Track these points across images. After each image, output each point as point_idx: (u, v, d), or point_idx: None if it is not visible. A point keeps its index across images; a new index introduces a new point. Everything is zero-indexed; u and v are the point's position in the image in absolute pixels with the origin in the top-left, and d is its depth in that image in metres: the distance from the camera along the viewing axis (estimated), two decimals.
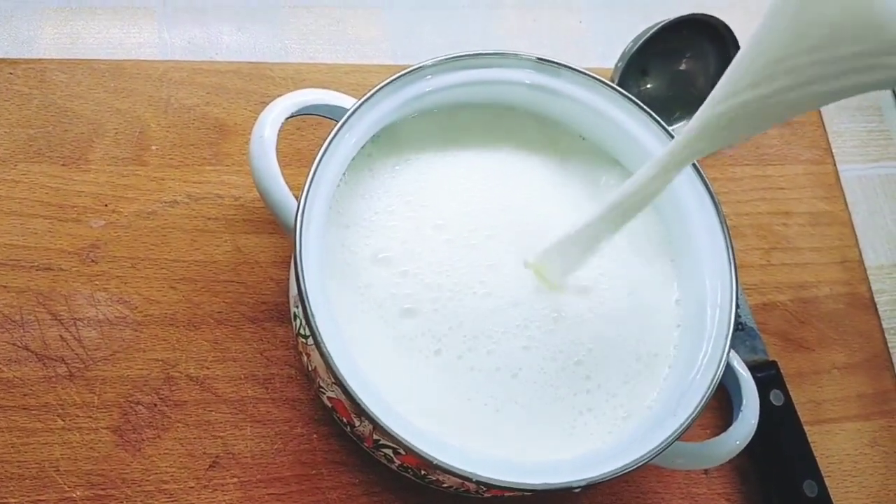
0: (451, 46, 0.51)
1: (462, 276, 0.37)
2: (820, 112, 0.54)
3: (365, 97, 0.37)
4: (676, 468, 0.40)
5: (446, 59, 0.39)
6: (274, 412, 0.40)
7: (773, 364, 0.45)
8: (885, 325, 0.49)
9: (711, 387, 0.36)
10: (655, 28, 0.48)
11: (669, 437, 0.34)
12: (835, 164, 0.53)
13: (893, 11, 0.25)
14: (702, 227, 0.39)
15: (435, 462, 0.32)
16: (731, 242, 0.39)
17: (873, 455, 0.46)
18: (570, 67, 0.40)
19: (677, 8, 0.48)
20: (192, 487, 0.38)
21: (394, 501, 0.40)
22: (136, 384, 0.39)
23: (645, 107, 0.40)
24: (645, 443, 0.34)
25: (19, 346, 0.39)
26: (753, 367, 0.41)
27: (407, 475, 0.37)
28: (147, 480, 0.38)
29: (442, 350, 0.36)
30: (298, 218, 0.34)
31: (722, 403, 0.43)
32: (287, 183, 0.37)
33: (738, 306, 0.38)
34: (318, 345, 0.33)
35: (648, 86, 0.49)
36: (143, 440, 0.38)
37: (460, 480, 0.33)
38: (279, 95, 0.39)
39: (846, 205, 0.52)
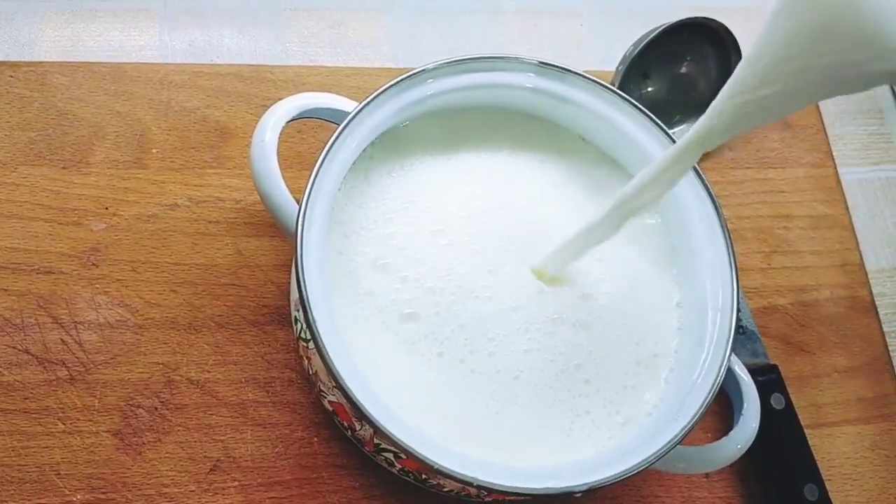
0: (453, 50, 0.50)
1: (463, 280, 0.37)
2: (821, 115, 0.54)
3: (366, 101, 0.37)
4: (677, 472, 0.40)
5: (448, 63, 0.39)
6: (275, 416, 0.40)
7: (774, 368, 0.45)
8: (885, 329, 0.49)
9: (713, 391, 0.36)
10: (656, 32, 0.48)
11: (671, 441, 0.34)
12: (835, 168, 0.53)
13: (882, 20, 0.26)
14: (702, 230, 0.39)
15: (436, 467, 0.32)
16: (731, 245, 0.39)
17: (874, 458, 0.46)
18: (572, 71, 0.40)
19: (678, 11, 0.48)
20: (193, 491, 0.38)
21: None
22: (136, 388, 0.39)
23: (646, 110, 0.40)
24: (646, 447, 0.34)
25: (20, 350, 0.39)
26: (754, 371, 0.41)
27: (408, 479, 0.37)
28: (148, 484, 0.38)
29: (444, 353, 0.36)
30: (299, 221, 0.34)
31: (723, 407, 0.43)
32: (288, 186, 0.37)
33: (739, 310, 0.38)
34: (318, 349, 0.33)
35: (649, 89, 0.49)
36: (143, 444, 0.38)
37: (461, 485, 0.33)
38: (280, 98, 0.39)
39: (847, 208, 0.52)
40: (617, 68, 0.48)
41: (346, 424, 0.37)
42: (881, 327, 0.49)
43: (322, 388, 0.37)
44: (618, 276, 0.39)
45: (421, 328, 0.36)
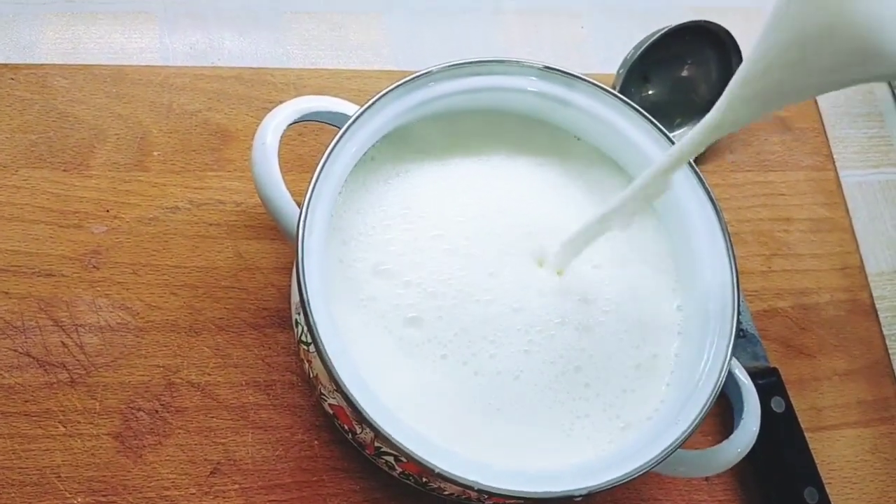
0: (453, 52, 0.51)
1: (464, 283, 0.37)
2: (821, 118, 0.54)
3: (368, 104, 0.37)
4: (678, 476, 0.40)
5: (451, 66, 0.39)
6: (275, 418, 0.40)
7: (774, 371, 0.45)
8: (885, 332, 0.49)
9: (713, 395, 0.36)
10: (657, 35, 0.48)
11: (671, 445, 0.34)
12: (836, 171, 0.53)
13: (874, 31, 0.26)
14: (703, 233, 0.39)
15: (436, 470, 0.32)
16: (732, 248, 0.39)
17: (874, 462, 0.46)
18: (575, 76, 0.40)
19: (678, 12, 0.48)
20: (194, 494, 0.38)
21: None
22: (137, 390, 0.39)
23: (646, 113, 0.40)
24: (647, 451, 0.34)
25: (21, 353, 0.39)
26: (754, 374, 0.41)
27: (408, 483, 0.37)
28: (148, 487, 0.38)
29: (448, 355, 0.36)
30: (300, 224, 0.34)
31: (723, 410, 0.43)
32: (289, 189, 0.37)
33: (739, 313, 0.38)
34: (319, 352, 0.33)
35: (650, 92, 0.49)
36: (144, 446, 0.38)
37: (461, 488, 0.33)
38: (281, 101, 0.39)
39: (847, 211, 0.52)
40: (618, 71, 0.48)
41: (346, 428, 0.37)
42: (881, 330, 0.49)
43: (323, 391, 0.37)
44: (618, 279, 0.39)
45: (424, 332, 0.36)
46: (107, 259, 0.41)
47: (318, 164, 0.35)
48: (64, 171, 0.42)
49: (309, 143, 0.45)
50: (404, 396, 0.35)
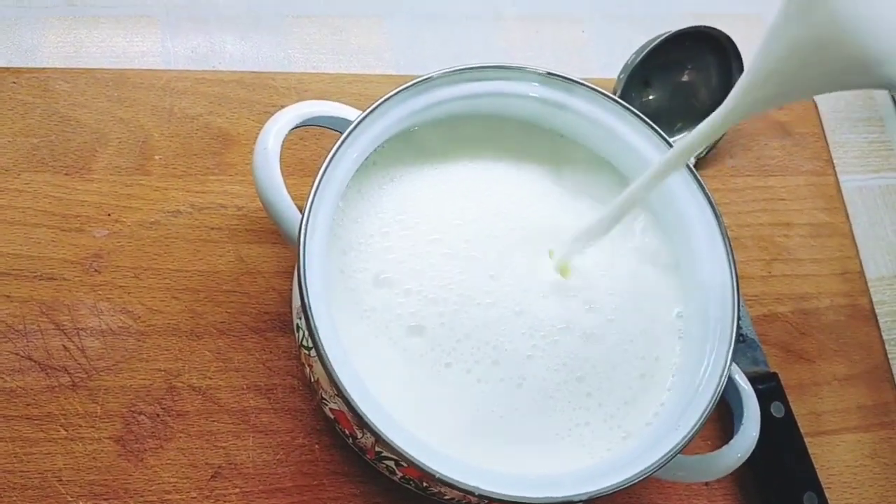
0: (454, 56, 0.51)
1: (464, 287, 0.37)
2: (821, 123, 0.54)
3: (370, 109, 0.37)
4: (678, 481, 0.40)
5: (452, 72, 0.39)
6: (276, 423, 0.40)
7: (774, 376, 0.45)
8: (885, 337, 0.49)
9: (713, 401, 0.36)
10: (658, 40, 0.48)
11: (671, 450, 0.34)
12: (836, 175, 0.53)
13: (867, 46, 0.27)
14: (703, 238, 0.40)
15: (437, 475, 0.32)
16: (732, 253, 0.39)
17: (873, 467, 0.46)
18: (577, 82, 0.40)
19: (679, 18, 0.49)
20: (195, 498, 0.38)
21: None
22: (138, 394, 0.39)
23: (646, 119, 0.40)
24: (647, 456, 0.34)
25: (22, 356, 0.39)
26: (754, 379, 0.41)
27: (409, 487, 0.37)
28: (149, 490, 0.38)
29: (452, 364, 0.36)
30: (302, 228, 0.34)
31: (722, 415, 0.44)
32: (290, 193, 0.37)
33: (739, 318, 0.38)
34: (320, 357, 0.33)
35: (651, 97, 0.49)
36: (145, 450, 0.38)
37: (462, 493, 0.33)
38: (282, 105, 0.39)
39: (847, 216, 0.52)
40: (619, 76, 0.48)
41: (347, 432, 0.37)
42: (881, 335, 0.49)
43: (324, 395, 0.37)
44: (620, 284, 0.39)
45: (427, 341, 0.36)
46: (108, 263, 0.41)
47: (320, 169, 0.35)
48: (65, 174, 0.42)
49: (310, 147, 0.45)
50: (405, 403, 0.35)
